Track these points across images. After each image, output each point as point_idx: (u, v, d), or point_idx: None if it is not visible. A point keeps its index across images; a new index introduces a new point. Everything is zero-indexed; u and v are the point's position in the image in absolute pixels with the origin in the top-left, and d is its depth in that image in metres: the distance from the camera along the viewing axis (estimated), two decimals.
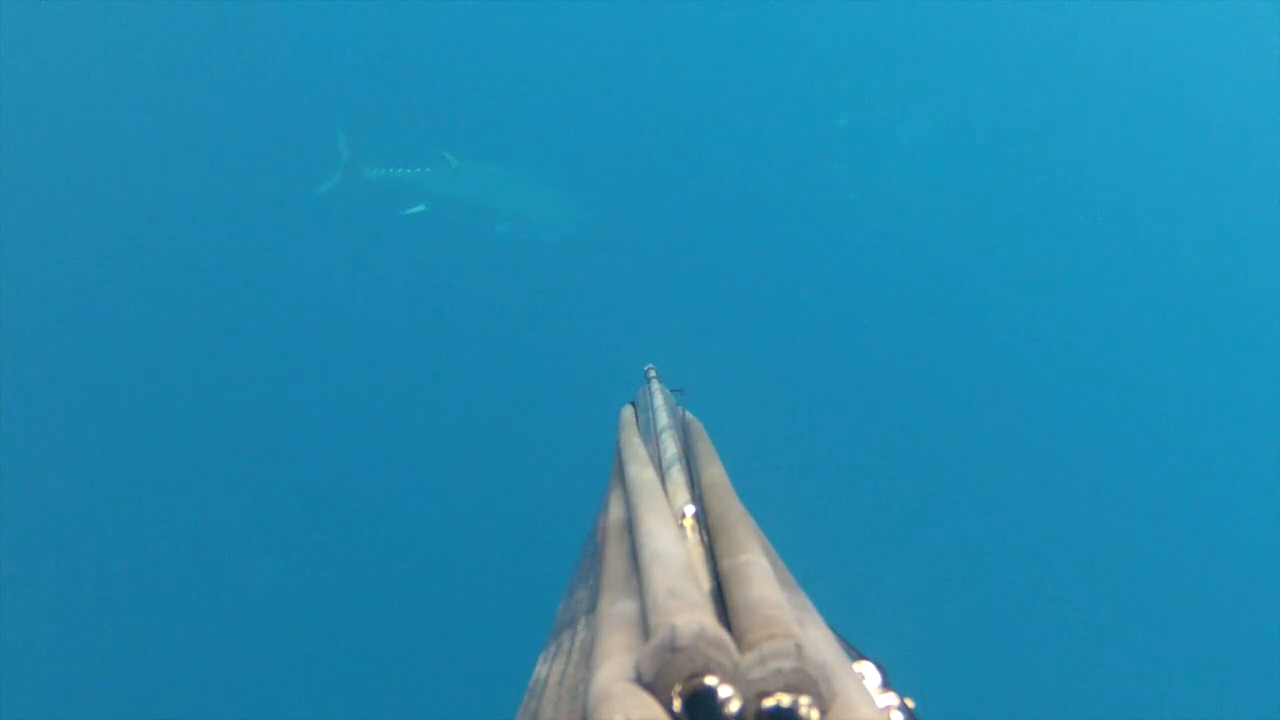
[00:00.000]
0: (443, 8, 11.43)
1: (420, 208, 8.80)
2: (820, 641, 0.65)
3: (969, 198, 11.27)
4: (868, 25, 12.74)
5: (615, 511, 0.95)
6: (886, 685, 0.74)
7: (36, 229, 9.26)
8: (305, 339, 9.39)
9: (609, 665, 0.60)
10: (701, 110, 11.52)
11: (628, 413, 1.48)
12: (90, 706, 6.98)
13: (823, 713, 0.55)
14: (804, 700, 0.55)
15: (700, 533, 0.87)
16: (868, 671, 0.74)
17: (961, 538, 9.40)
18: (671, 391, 1.57)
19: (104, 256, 9.39)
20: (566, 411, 8.35)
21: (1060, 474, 10.23)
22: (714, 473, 1.01)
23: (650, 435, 1.28)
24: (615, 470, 1.11)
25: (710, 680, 0.55)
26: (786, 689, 0.56)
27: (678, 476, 1.03)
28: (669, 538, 0.76)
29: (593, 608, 0.81)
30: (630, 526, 0.86)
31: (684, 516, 0.90)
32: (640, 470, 1.00)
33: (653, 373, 1.70)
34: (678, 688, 0.55)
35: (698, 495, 0.96)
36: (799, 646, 0.57)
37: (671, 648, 0.56)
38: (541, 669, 0.90)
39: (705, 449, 1.13)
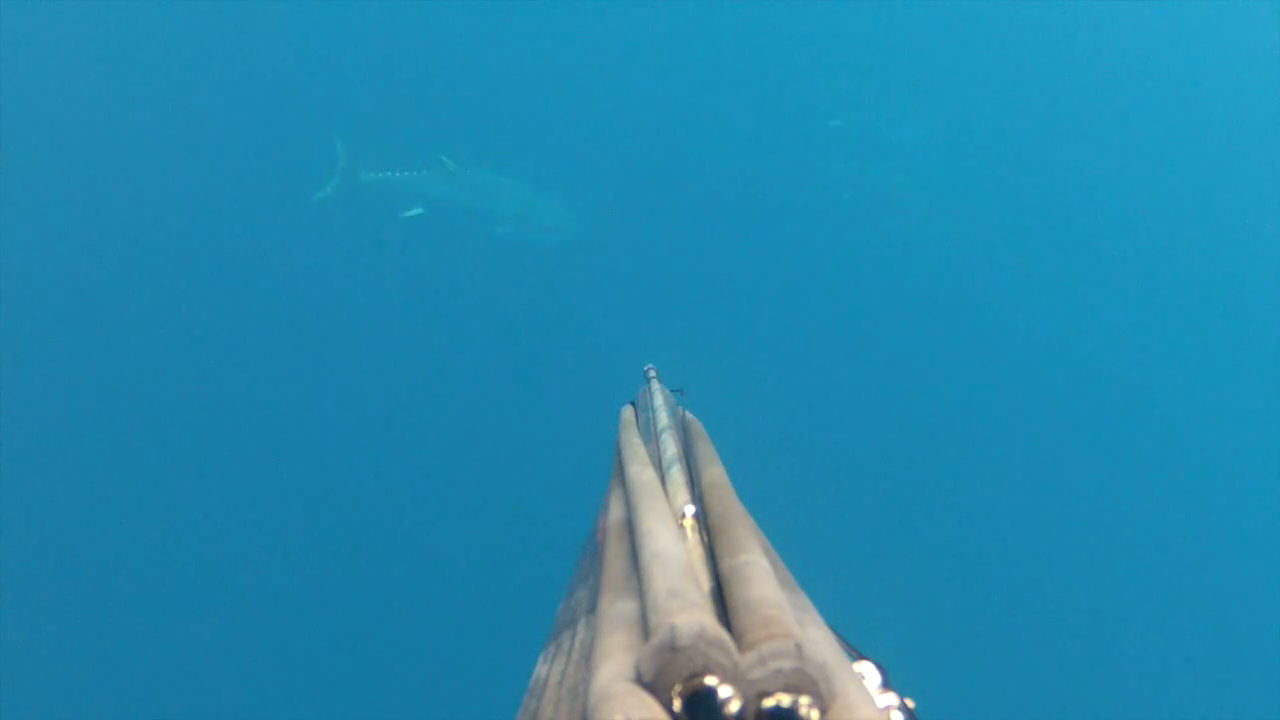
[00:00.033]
0: (440, 11, 11.43)
1: (418, 210, 8.80)
2: (820, 641, 0.65)
3: (964, 197, 11.28)
4: (860, 28, 12.76)
5: (615, 511, 0.95)
6: (886, 685, 0.74)
7: (36, 231, 9.26)
8: (304, 340, 9.39)
9: (609, 665, 0.60)
10: (697, 112, 11.54)
11: (628, 413, 1.48)
12: (90, 706, 6.98)
13: (823, 713, 0.55)
14: (804, 700, 0.55)
15: (700, 533, 0.87)
16: (868, 671, 0.74)
17: (961, 538, 9.40)
18: (671, 391, 1.57)
19: (103, 258, 9.39)
20: (566, 412, 8.35)
21: (1060, 474, 10.23)
22: (714, 473, 1.01)
23: (650, 435, 1.28)
24: (615, 470, 1.11)
25: (710, 680, 0.55)
26: (786, 689, 0.56)
27: (678, 476, 1.03)
28: (669, 538, 0.76)
29: (593, 608, 0.81)
30: (630, 526, 0.86)
31: (684, 516, 0.90)
32: (640, 470, 1.00)
33: (653, 373, 1.70)
34: (678, 688, 0.55)
35: (698, 495, 0.96)
36: (799, 646, 0.57)
37: (671, 648, 0.56)
38: (541, 669, 0.90)
39: (705, 449, 1.13)
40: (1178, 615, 9.67)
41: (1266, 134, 13.27)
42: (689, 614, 0.59)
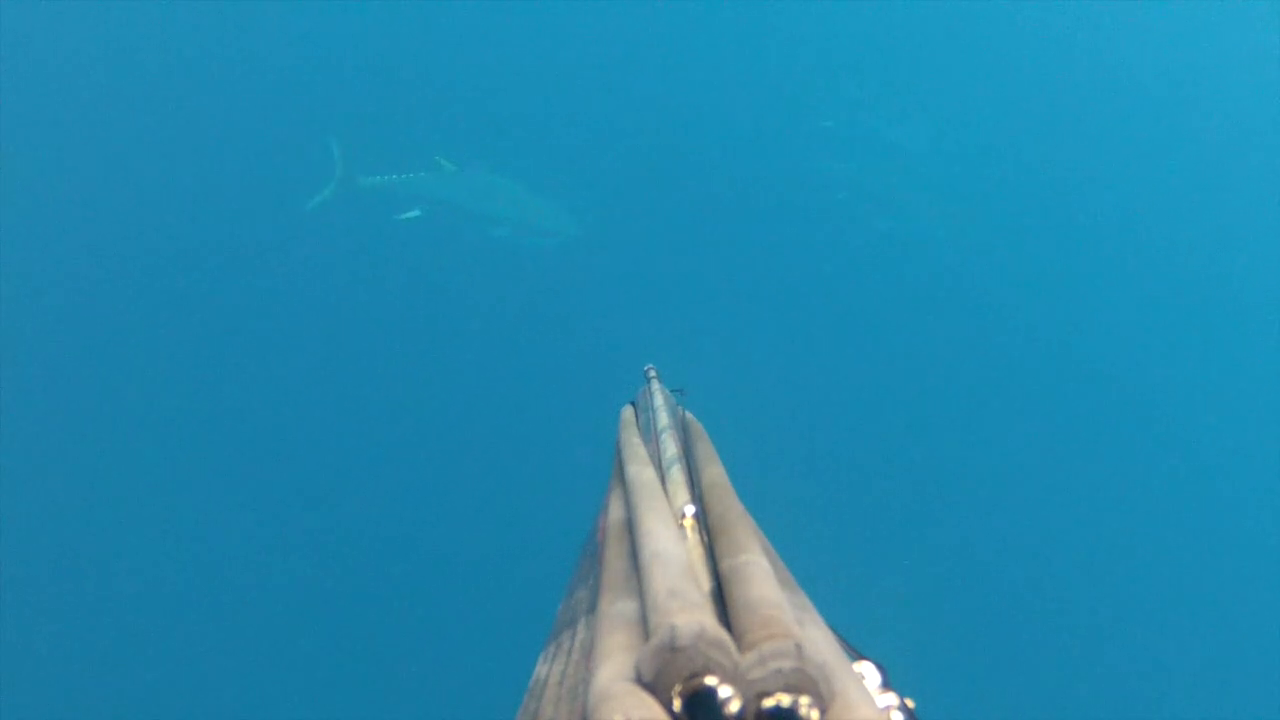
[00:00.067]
0: (437, 12, 11.44)
1: (415, 212, 8.79)
2: (820, 641, 0.65)
3: (961, 197, 11.28)
4: (855, 29, 12.78)
5: (615, 511, 0.95)
6: (886, 685, 0.74)
7: (32, 236, 9.25)
8: (303, 341, 9.38)
9: (609, 665, 0.60)
10: (693, 114, 11.55)
11: (628, 413, 1.48)
12: (90, 706, 6.98)
13: (823, 713, 0.55)
14: (804, 700, 0.55)
15: (700, 533, 0.87)
16: (868, 671, 0.74)
17: (961, 538, 9.40)
18: (671, 391, 1.57)
19: (102, 259, 9.39)
20: (566, 412, 8.35)
21: (1060, 474, 10.23)
22: (714, 473, 1.01)
23: (650, 435, 1.28)
24: (615, 470, 1.11)
25: (710, 680, 0.55)
26: (786, 689, 0.56)
27: (678, 476, 1.03)
28: (669, 538, 0.76)
29: (593, 608, 0.81)
30: (630, 526, 0.86)
31: (684, 516, 0.90)
32: (640, 470, 1.00)
33: (653, 373, 1.70)
34: (678, 688, 0.55)
35: (698, 495, 0.96)
36: (799, 646, 0.57)
37: (671, 648, 0.56)
38: (541, 669, 0.89)
39: (705, 449, 1.13)
40: (1178, 615, 9.67)
41: (1266, 134, 13.27)
42: (689, 614, 0.59)
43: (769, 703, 0.55)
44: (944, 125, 12.02)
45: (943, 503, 9.59)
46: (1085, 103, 13.00)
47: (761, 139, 11.66)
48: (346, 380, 9.18)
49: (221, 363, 9.04)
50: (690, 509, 0.91)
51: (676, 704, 0.55)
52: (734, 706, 0.54)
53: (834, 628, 0.75)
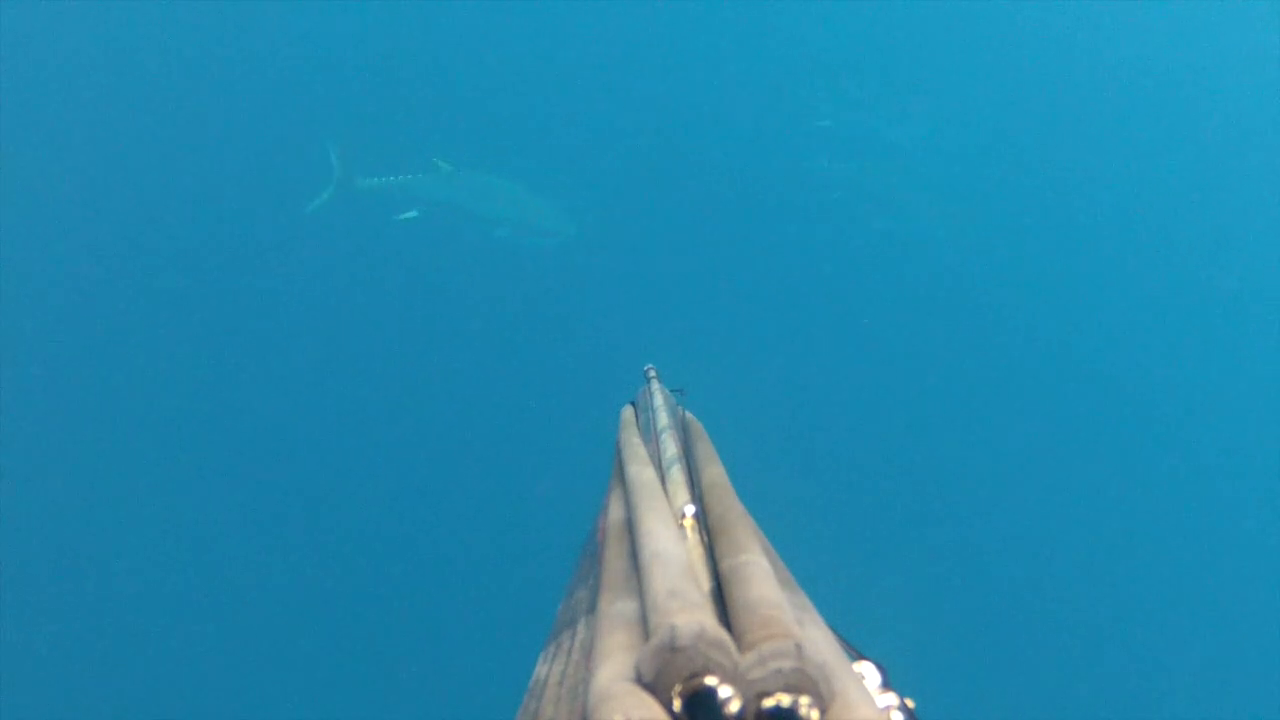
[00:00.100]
0: (434, 13, 11.44)
1: (413, 213, 8.79)
2: (820, 641, 0.65)
3: (959, 196, 11.28)
4: (851, 28, 12.79)
5: (615, 511, 0.95)
6: (886, 685, 0.74)
7: (31, 239, 9.25)
8: (302, 342, 9.38)
9: (609, 665, 0.60)
10: (691, 114, 11.56)
11: (628, 413, 1.48)
12: (90, 706, 6.98)
13: (822, 713, 0.55)
14: (804, 700, 0.55)
15: (700, 533, 0.87)
16: (868, 671, 0.74)
17: (961, 538, 9.40)
18: (671, 391, 1.57)
19: (102, 261, 9.39)
20: (566, 412, 8.35)
21: (1060, 473, 10.23)
22: (714, 473, 1.01)
23: (650, 435, 1.28)
24: (615, 470, 1.11)
25: (710, 680, 0.55)
26: (786, 689, 0.56)
27: (678, 476, 1.03)
28: (669, 538, 0.76)
29: (593, 608, 0.81)
30: (630, 526, 0.86)
31: (684, 516, 0.90)
32: (640, 470, 1.00)
33: (653, 373, 1.70)
34: (678, 688, 0.55)
35: (698, 495, 0.96)
36: (799, 646, 0.57)
37: (671, 648, 0.56)
38: (541, 669, 0.89)
39: (705, 449, 1.13)
40: (1178, 615, 9.67)
41: (1265, 134, 13.27)
42: (689, 614, 0.59)
43: (769, 703, 0.55)
44: (941, 124, 12.02)
45: (942, 503, 9.59)
46: (1082, 100, 13.00)
47: (758, 138, 11.67)
48: (346, 381, 9.18)
49: (221, 363, 9.04)
50: (690, 509, 0.91)
51: (676, 704, 0.55)
52: (734, 706, 0.54)
53: (834, 628, 0.75)
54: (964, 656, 8.16)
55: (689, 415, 1.38)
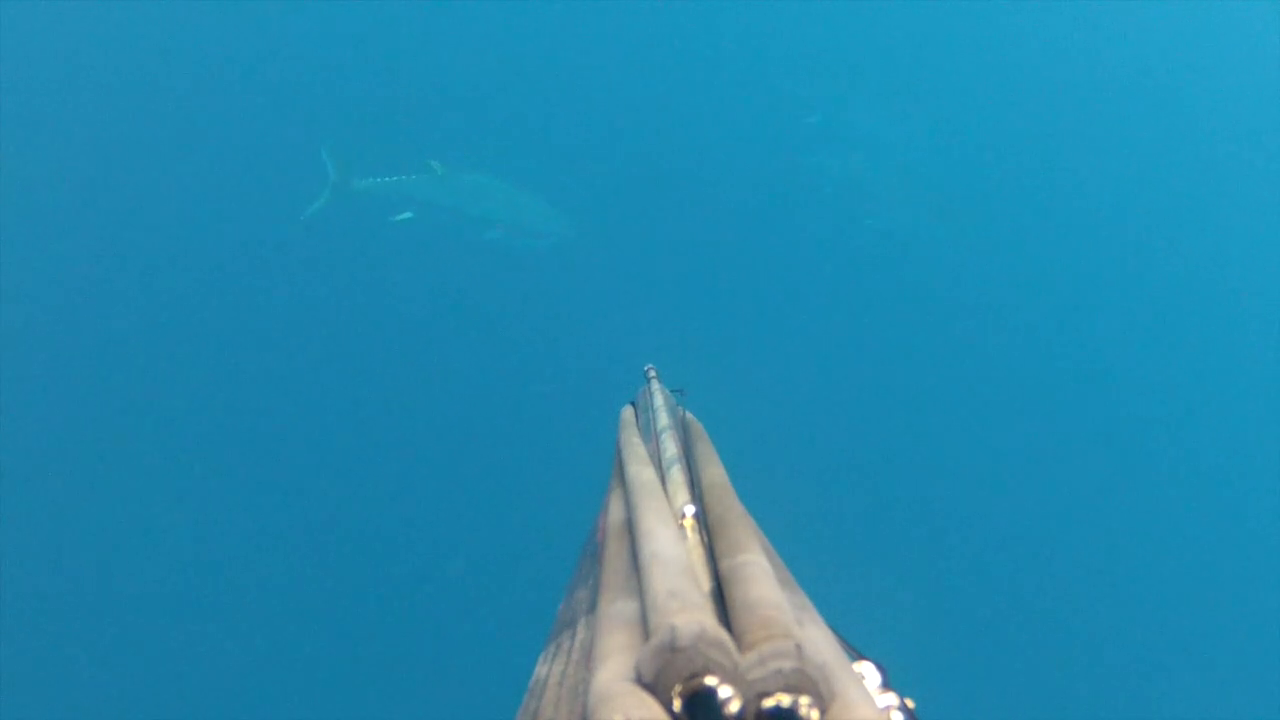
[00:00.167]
0: (430, 15, 11.44)
1: (408, 214, 8.78)
2: (820, 641, 0.65)
3: (948, 191, 11.27)
4: (838, 25, 12.80)
5: (615, 511, 0.95)
6: (886, 685, 0.74)
7: (33, 237, 9.25)
8: (301, 342, 9.38)
9: (609, 665, 0.60)
10: (685, 113, 11.58)
11: (628, 413, 1.48)
12: (90, 706, 6.98)
13: (822, 713, 0.55)
14: (804, 700, 0.55)
15: (700, 533, 0.87)
16: (868, 671, 0.74)
17: (961, 538, 9.40)
18: (671, 391, 1.57)
19: (100, 264, 9.39)
20: (566, 412, 8.35)
21: (1059, 473, 10.23)
22: (714, 473, 1.01)
23: (650, 435, 1.28)
24: (615, 470, 1.11)
25: (710, 680, 0.55)
26: (786, 689, 0.56)
27: (678, 476, 1.02)
28: (669, 538, 0.76)
29: (593, 608, 0.81)
30: (630, 526, 0.86)
31: (684, 516, 0.90)
32: (640, 470, 0.99)
33: (652, 373, 1.70)
34: (678, 688, 0.55)
35: (698, 495, 0.96)
36: (799, 646, 0.57)
37: (671, 648, 0.56)
38: (541, 669, 0.89)
39: (705, 449, 1.13)
40: (1178, 615, 9.67)
41: (1263, 129, 13.26)
42: (689, 614, 0.59)
43: (769, 703, 0.55)
44: (931, 120, 12.01)
45: (943, 503, 9.59)
46: (1074, 96, 13.01)
47: (748, 135, 11.68)
48: (344, 382, 9.18)
49: (220, 365, 9.04)
50: (690, 509, 0.91)
51: (676, 704, 0.55)
52: (734, 707, 0.54)
53: (834, 628, 0.75)
54: (964, 656, 8.16)
55: (689, 415, 1.38)
